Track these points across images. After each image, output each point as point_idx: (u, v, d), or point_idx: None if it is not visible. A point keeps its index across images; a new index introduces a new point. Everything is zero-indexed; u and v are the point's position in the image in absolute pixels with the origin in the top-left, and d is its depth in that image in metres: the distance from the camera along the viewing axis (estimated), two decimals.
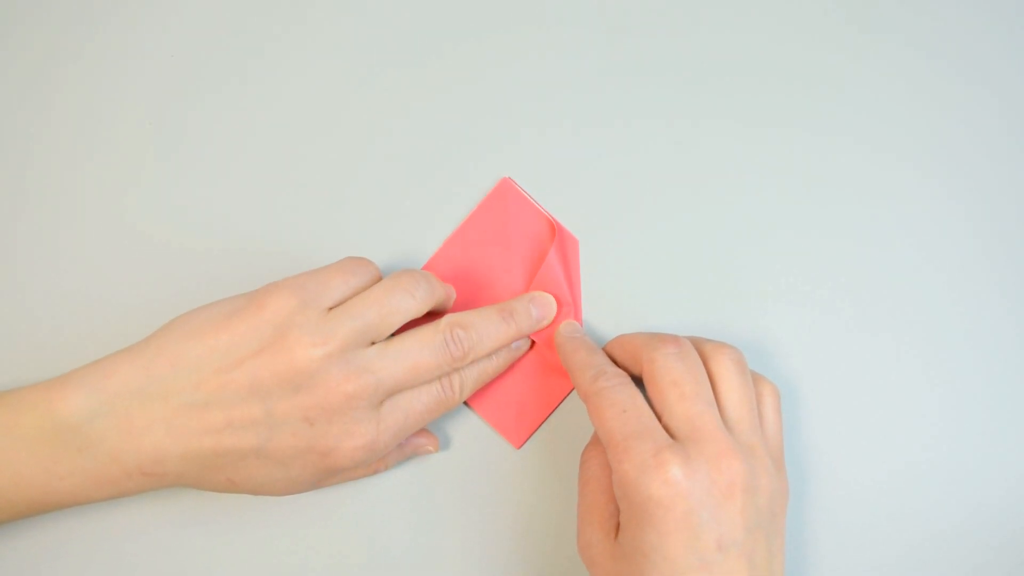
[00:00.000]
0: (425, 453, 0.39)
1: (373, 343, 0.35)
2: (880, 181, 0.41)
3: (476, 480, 0.40)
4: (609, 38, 0.42)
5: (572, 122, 0.42)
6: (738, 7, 0.42)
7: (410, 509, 0.40)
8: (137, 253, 0.41)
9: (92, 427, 0.33)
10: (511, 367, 0.40)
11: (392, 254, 0.41)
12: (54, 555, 0.39)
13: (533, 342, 0.40)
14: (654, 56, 0.42)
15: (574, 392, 0.40)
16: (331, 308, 0.35)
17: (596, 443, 0.37)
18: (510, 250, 0.41)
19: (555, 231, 0.41)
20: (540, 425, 0.40)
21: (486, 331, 0.37)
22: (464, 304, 0.40)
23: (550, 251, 0.40)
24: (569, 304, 0.40)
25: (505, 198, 0.41)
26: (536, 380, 0.40)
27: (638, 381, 0.36)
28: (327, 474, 0.35)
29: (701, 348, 0.36)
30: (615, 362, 0.37)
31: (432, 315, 0.38)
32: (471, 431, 0.40)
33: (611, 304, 0.41)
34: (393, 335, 0.36)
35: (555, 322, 0.40)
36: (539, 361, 0.40)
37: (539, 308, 0.39)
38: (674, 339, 0.36)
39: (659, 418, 0.34)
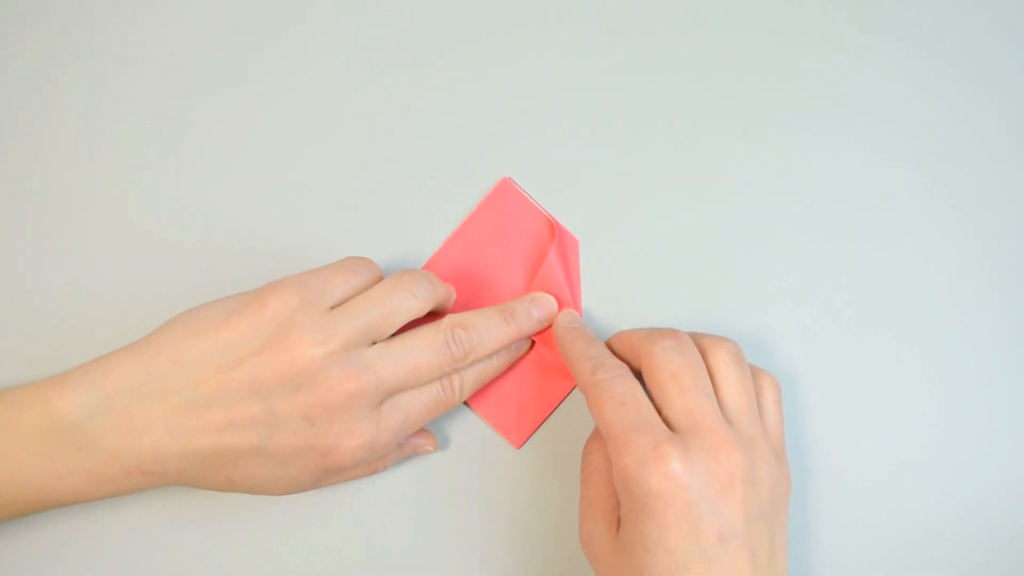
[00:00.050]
0: (424, 453, 0.39)
1: (374, 342, 0.35)
2: (880, 181, 0.41)
3: (476, 480, 0.40)
4: (609, 38, 0.42)
5: (572, 122, 0.42)
6: (738, 7, 0.42)
7: (410, 509, 0.40)
8: (137, 251, 0.41)
9: (92, 425, 0.33)
10: (511, 367, 0.40)
11: (392, 254, 0.41)
12: (54, 555, 0.39)
13: (533, 342, 0.40)
14: (654, 56, 0.42)
15: (574, 392, 0.40)
16: (332, 307, 0.35)
17: (598, 436, 0.37)
18: (510, 250, 0.41)
19: (555, 231, 0.41)
20: (540, 425, 0.40)
21: (487, 332, 0.37)
22: (464, 304, 0.40)
23: (550, 251, 0.40)
24: (569, 304, 0.40)
25: (505, 198, 0.41)
26: (536, 380, 0.40)
27: (638, 376, 0.36)
28: (327, 473, 0.35)
29: (700, 342, 0.36)
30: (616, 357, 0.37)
31: (432, 315, 0.38)
32: (471, 431, 0.40)
33: (611, 304, 0.41)
34: (394, 335, 0.36)
35: None
36: (539, 361, 0.40)
37: (540, 309, 0.39)
38: (672, 333, 0.36)
39: (659, 411, 0.34)
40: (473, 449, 0.40)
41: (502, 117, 0.42)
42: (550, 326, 0.39)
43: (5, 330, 0.40)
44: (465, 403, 0.40)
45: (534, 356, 0.40)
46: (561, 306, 0.40)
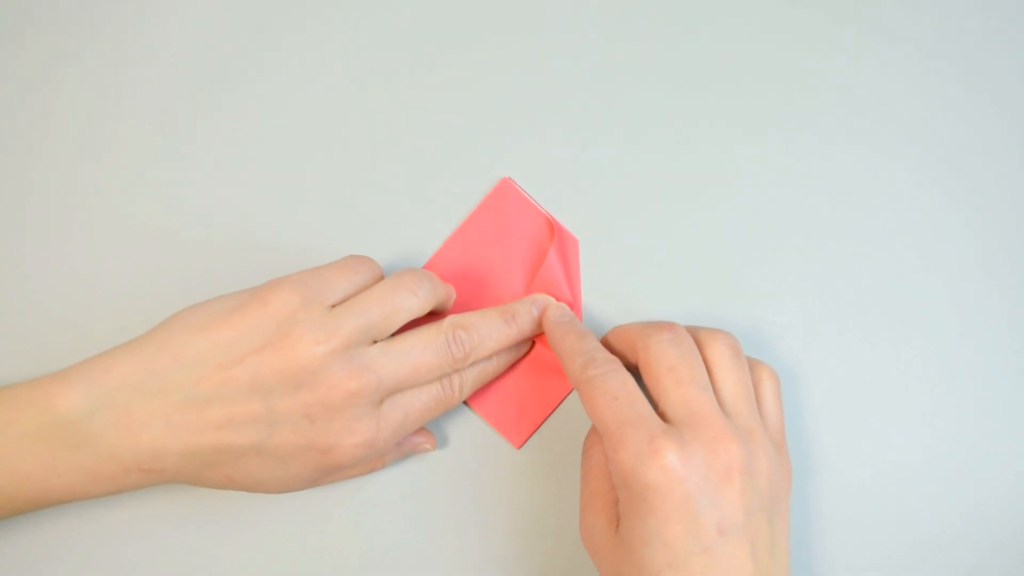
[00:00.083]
0: (423, 451, 0.39)
1: (375, 341, 0.35)
2: (879, 180, 0.42)
3: (475, 479, 0.40)
4: (609, 40, 0.42)
5: (572, 122, 0.42)
6: (737, 9, 0.43)
7: (410, 509, 0.40)
8: (137, 248, 0.41)
9: (91, 423, 0.33)
10: (511, 367, 0.40)
11: (392, 253, 0.41)
12: (53, 554, 0.39)
13: (533, 342, 0.40)
14: (653, 57, 0.42)
15: (575, 392, 0.40)
16: (333, 306, 0.35)
17: (597, 431, 0.37)
18: (510, 250, 0.41)
19: (555, 231, 0.41)
20: (540, 425, 0.40)
21: (488, 333, 0.37)
22: (464, 304, 0.40)
23: (549, 251, 0.40)
24: (569, 304, 0.40)
25: (505, 198, 0.41)
26: (536, 380, 0.40)
27: (636, 370, 0.36)
28: (326, 471, 0.35)
29: (696, 335, 0.36)
30: (612, 352, 0.37)
31: (432, 315, 0.38)
32: (471, 431, 0.40)
33: (611, 304, 0.41)
34: (394, 334, 0.36)
35: None
36: (539, 361, 0.40)
37: (541, 310, 0.39)
38: (669, 325, 0.36)
39: (656, 404, 0.34)
40: (472, 449, 0.40)
41: (502, 118, 0.42)
42: None
43: (5, 328, 0.40)
44: (465, 403, 0.40)
45: (534, 356, 0.40)
46: None
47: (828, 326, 0.41)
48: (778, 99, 0.42)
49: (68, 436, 0.33)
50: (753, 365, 0.37)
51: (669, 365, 0.34)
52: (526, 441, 0.40)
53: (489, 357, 0.38)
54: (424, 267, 0.41)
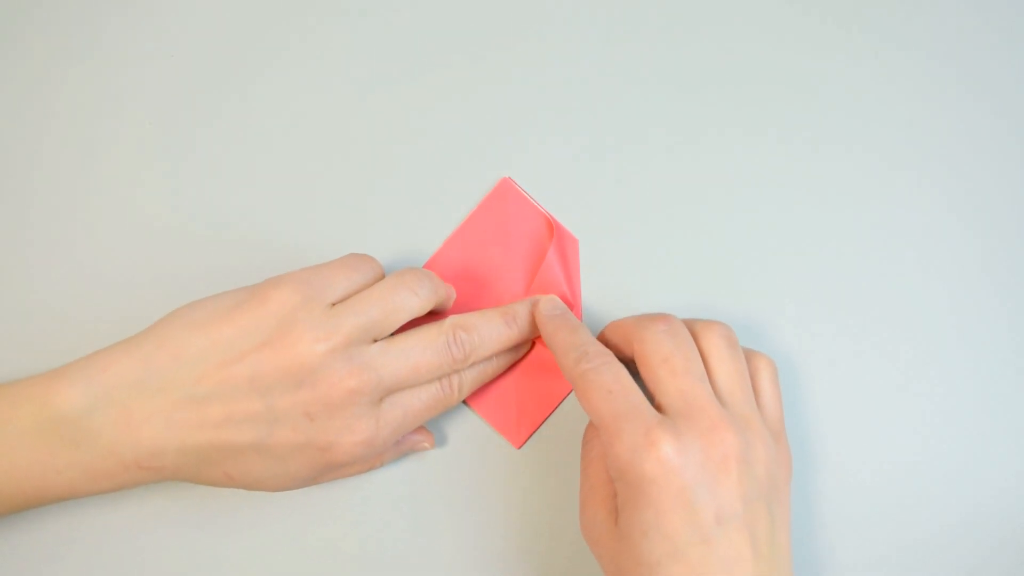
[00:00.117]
0: (421, 450, 0.39)
1: (375, 340, 0.35)
2: (879, 181, 0.42)
3: (474, 479, 0.40)
4: (609, 41, 0.42)
5: (572, 123, 0.42)
6: (735, 12, 0.43)
7: (409, 509, 0.39)
8: (138, 246, 0.41)
9: (90, 420, 0.33)
10: (511, 367, 0.40)
11: (392, 253, 0.41)
12: (53, 554, 0.39)
13: (533, 343, 0.40)
14: (653, 58, 0.42)
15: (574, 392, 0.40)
16: (334, 304, 0.35)
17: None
18: (510, 250, 0.41)
19: (554, 231, 0.41)
20: (540, 425, 0.40)
21: (488, 334, 0.37)
22: (464, 304, 0.40)
23: (549, 251, 0.40)
24: (569, 304, 0.40)
25: (505, 198, 0.41)
26: (536, 380, 0.40)
27: (633, 363, 0.36)
28: (325, 469, 0.35)
29: (692, 327, 0.36)
30: (610, 347, 0.37)
31: (431, 314, 0.38)
32: (471, 431, 0.40)
33: (611, 303, 0.41)
34: (394, 333, 0.36)
35: None
36: (539, 361, 0.40)
37: None
38: (664, 317, 0.36)
39: (652, 396, 0.34)
40: (471, 448, 0.40)
41: (503, 118, 0.42)
42: None
43: (6, 325, 0.40)
44: (465, 403, 0.40)
45: (534, 356, 0.40)
46: None
47: (828, 326, 0.41)
48: (777, 99, 0.42)
49: (67, 433, 0.33)
50: (750, 355, 0.37)
51: (664, 356, 0.34)
52: (526, 441, 0.40)
53: (489, 358, 0.38)
54: (424, 266, 0.41)
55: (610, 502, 0.34)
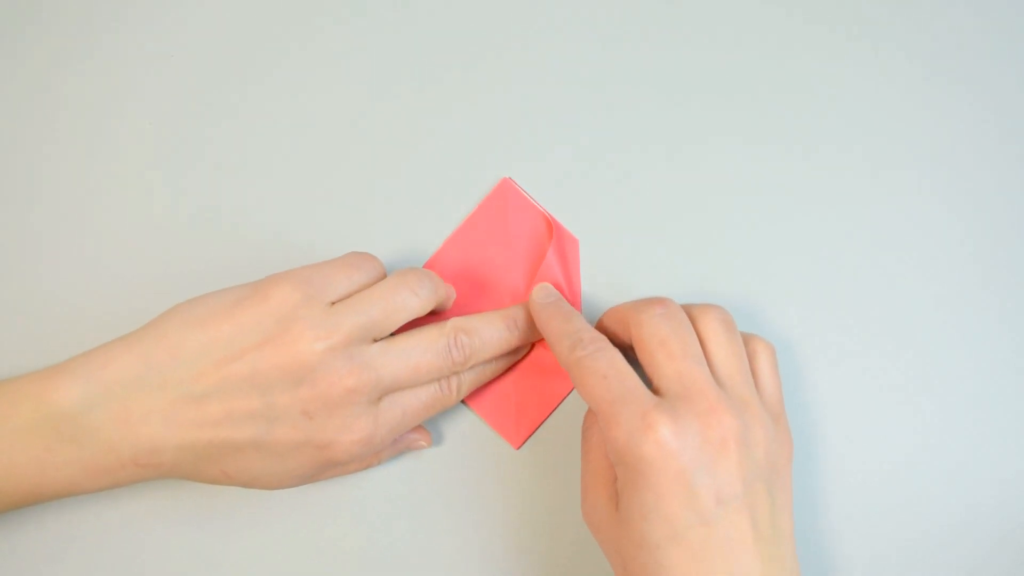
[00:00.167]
0: (418, 448, 0.39)
1: (375, 340, 0.35)
2: (878, 180, 0.42)
3: (473, 479, 0.40)
4: (609, 43, 0.42)
5: (573, 124, 0.42)
6: (735, 15, 0.43)
7: (408, 509, 0.39)
8: (138, 243, 0.41)
9: (88, 417, 0.33)
10: (511, 367, 0.40)
11: (393, 252, 0.41)
12: (53, 553, 0.39)
13: (533, 343, 0.40)
14: (652, 61, 0.42)
15: (574, 393, 0.40)
16: (334, 303, 0.35)
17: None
18: (510, 250, 0.41)
19: (554, 231, 0.41)
20: (539, 426, 0.40)
21: (490, 338, 0.37)
22: (463, 304, 0.40)
23: (549, 251, 0.40)
24: (566, 298, 0.40)
25: (505, 198, 0.41)
26: (535, 380, 0.40)
27: (630, 349, 0.36)
28: (323, 467, 0.35)
29: (689, 310, 0.36)
30: (608, 333, 0.37)
31: (431, 314, 0.38)
32: (469, 430, 0.40)
33: (611, 304, 0.41)
34: (393, 333, 0.36)
35: None
36: (539, 361, 0.40)
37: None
38: (661, 300, 0.35)
39: (650, 380, 0.34)
40: (470, 448, 0.40)
41: (504, 118, 0.42)
42: None
43: (7, 323, 0.40)
44: (464, 402, 0.40)
45: (534, 357, 0.40)
46: None
47: (826, 326, 0.41)
48: (776, 99, 0.42)
49: (66, 430, 0.33)
50: (748, 339, 0.37)
51: (661, 339, 0.34)
52: (524, 442, 0.40)
53: (489, 361, 0.38)
54: (424, 266, 0.41)
55: (610, 487, 0.34)
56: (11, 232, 0.41)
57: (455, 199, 0.41)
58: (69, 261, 0.40)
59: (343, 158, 0.42)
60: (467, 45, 0.42)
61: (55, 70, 0.42)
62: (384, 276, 0.37)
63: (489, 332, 0.37)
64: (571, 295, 0.40)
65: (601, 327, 0.38)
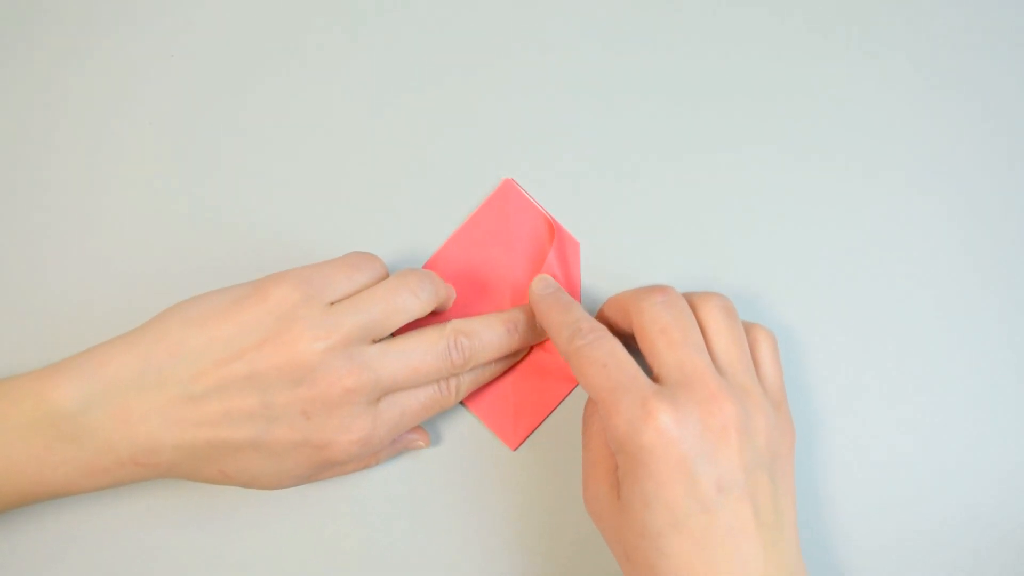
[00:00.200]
0: (416, 448, 0.39)
1: (374, 340, 0.35)
2: (877, 179, 0.42)
3: (471, 479, 0.40)
4: (610, 45, 0.42)
5: (574, 125, 0.42)
6: (734, 19, 0.43)
7: (406, 509, 0.39)
8: (139, 242, 0.41)
9: (86, 416, 0.33)
10: (509, 369, 0.40)
11: (394, 252, 0.41)
12: (53, 553, 0.39)
13: (532, 345, 0.40)
14: (654, 63, 0.42)
15: (571, 394, 0.40)
16: (334, 303, 0.34)
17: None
18: (511, 251, 0.41)
19: (555, 233, 0.41)
20: (536, 427, 0.40)
21: (490, 340, 0.37)
22: (464, 304, 0.40)
23: (549, 253, 0.40)
24: None
25: (507, 199, 0.41)
26: (533, 382, 0.40)
27: (630, 337, 0.36)
28: (321, 467, 0.35)
29: (690, 298, 0.36)
30: (609, 322, 0.37)
31: (431, 314, 0.38)
32: (467, 431, 0.40)
33: None
34: (393, 334, 0.36)
35: None
36: (537, 363, 0.40)
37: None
38: (661, 288, 0.35)
39: (650, 368, 0.34)
40: (468, 449, 0.40)
41: (506, 120, 0.42)
42: None
43: (7, 321, 0.40)
44: (462, 403, 0.40)
45: (532, 359, 0.40)
46: None
47: (826, 326, 0.41)
48: (776, 101, 0.42)
49: (63, 429, 0.33)
50: (749, 327, 0.36)
51: (662, 327, 0.34)
52: (521, 443, 0.40)
53: (488, 363, 0.38)
54: (425, 266, 0.41)
55: (611, 476, 0.34)
56: (11, 232, 0.41)
57: (457, 199, 0.41)
58: (69, 260, 0.41)
59: (344, 158, 0.42)
60: (470, 46, 0.42)
61: (56, 71, 0.42)
62: (386, 276, 0.37)
63: (489, 335, 0.37)
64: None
65: (602, 316, 0.38)
